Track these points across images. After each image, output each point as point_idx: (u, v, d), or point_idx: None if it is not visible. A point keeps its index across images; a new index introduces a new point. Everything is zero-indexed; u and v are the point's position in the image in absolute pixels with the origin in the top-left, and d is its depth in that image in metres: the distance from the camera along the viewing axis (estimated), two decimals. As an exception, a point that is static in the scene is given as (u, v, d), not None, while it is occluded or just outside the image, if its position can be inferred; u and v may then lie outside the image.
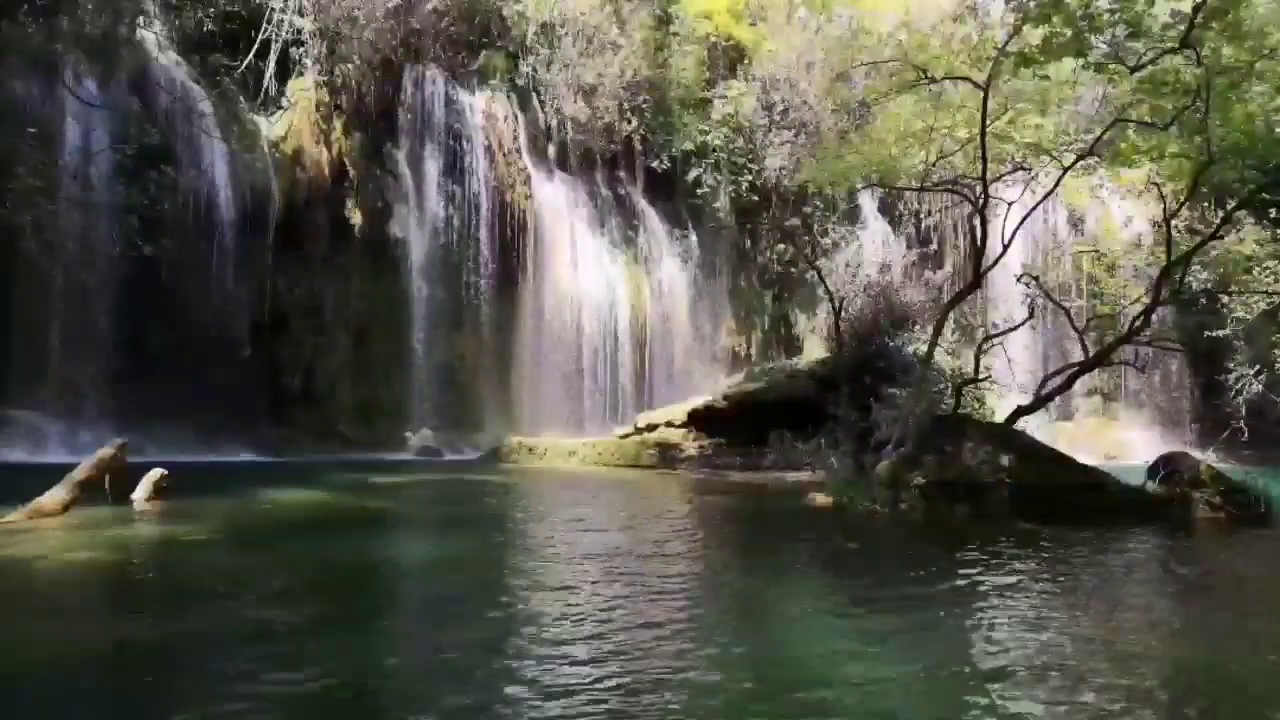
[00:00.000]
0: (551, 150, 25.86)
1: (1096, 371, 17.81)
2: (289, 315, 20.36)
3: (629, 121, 25.91)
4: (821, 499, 11.59)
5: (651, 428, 19.67)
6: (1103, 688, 4.21)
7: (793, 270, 26.61)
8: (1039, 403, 13.10)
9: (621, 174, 27.08)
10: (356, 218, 21.51)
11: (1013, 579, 6.95)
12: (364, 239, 21.55)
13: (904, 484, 10.99)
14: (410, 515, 11.15)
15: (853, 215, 27.71)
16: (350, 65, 21.76)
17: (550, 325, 24.10)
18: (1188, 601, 6.56)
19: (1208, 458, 15.23)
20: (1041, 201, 14.79)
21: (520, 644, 4.75)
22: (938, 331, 14.11)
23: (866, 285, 22.19)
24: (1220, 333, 22.02)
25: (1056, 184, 14.02)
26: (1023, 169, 14.37)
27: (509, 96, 24.95)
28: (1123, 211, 25.76)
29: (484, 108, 24.18)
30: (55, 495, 8.54)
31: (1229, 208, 13.00)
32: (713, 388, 22.72)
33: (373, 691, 4.00)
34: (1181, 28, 10.46)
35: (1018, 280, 16.53)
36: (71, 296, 17.21)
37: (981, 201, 13.30)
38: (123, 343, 17.13)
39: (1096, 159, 13.79)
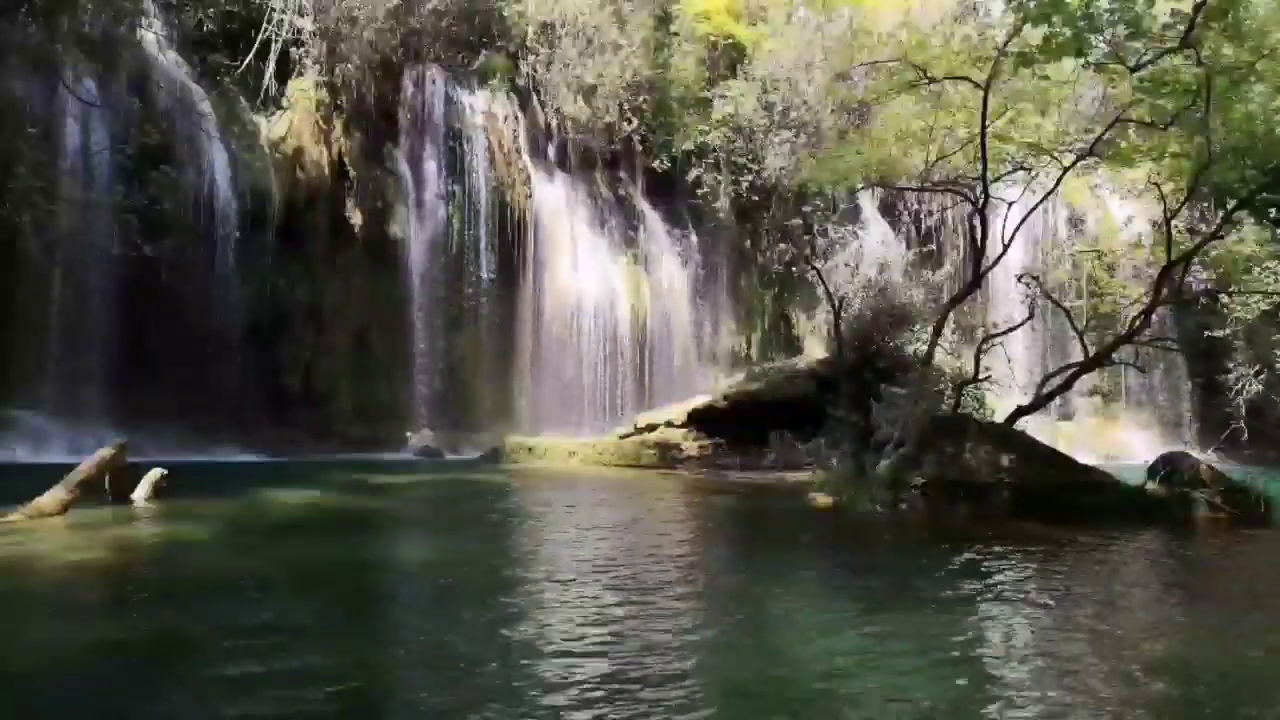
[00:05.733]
0: (551, 150, 25.85)
1: (1096, 371, 17.79)
2: (289, 315, 20.35)
3: (629, 121, 25.88)
4: (822, 499, 11.59)
5: (651, 428, 19.65)
6: (1103, 688, 4.21)
7: (793, 270, 26.55)
8: (1039, 403, 13.10)
9: (622, 174, 27.05)
10: (356, 218, 21.50)
11: (1013, 579, 6.95)
12: (364, 239, 21.54)
13: (904, 484, 10.99)
14: (410, 515, 11.14)
15: (853, 215, 27.66)
16: (350, 65, 21.75)
17: (550, 325, 24.07)
18: (1188, 601, 6.56)
19: (1208, 458, 15.25)
20: (1041, 201, 14.79)
21: (519, 643, 4.75)
22: (938, 331, 14.11)
23: (866, 285, 22.20)
24: (1220, 333, 22.01)
25: (1056, 184, 14.01)
26: (1023, 169, 14.36)
27: (509, 96, 24.92)
28: (1123, 211, 25.74)
29: (484, 108, 24.16)
30: (55, 495, 8.54)
31: (1229, 208, 12.98)
32: (713, 388, 22.70)
33: (372, 690, 4.00)
34: (1181, 28, 10.46)
35: (1018, 280, 16.54)
36: (71, 296, 17.20)
37: (981, 201, 13.30)
38: (123, 343, 17.10)
39: (1096, 159, 13.78)
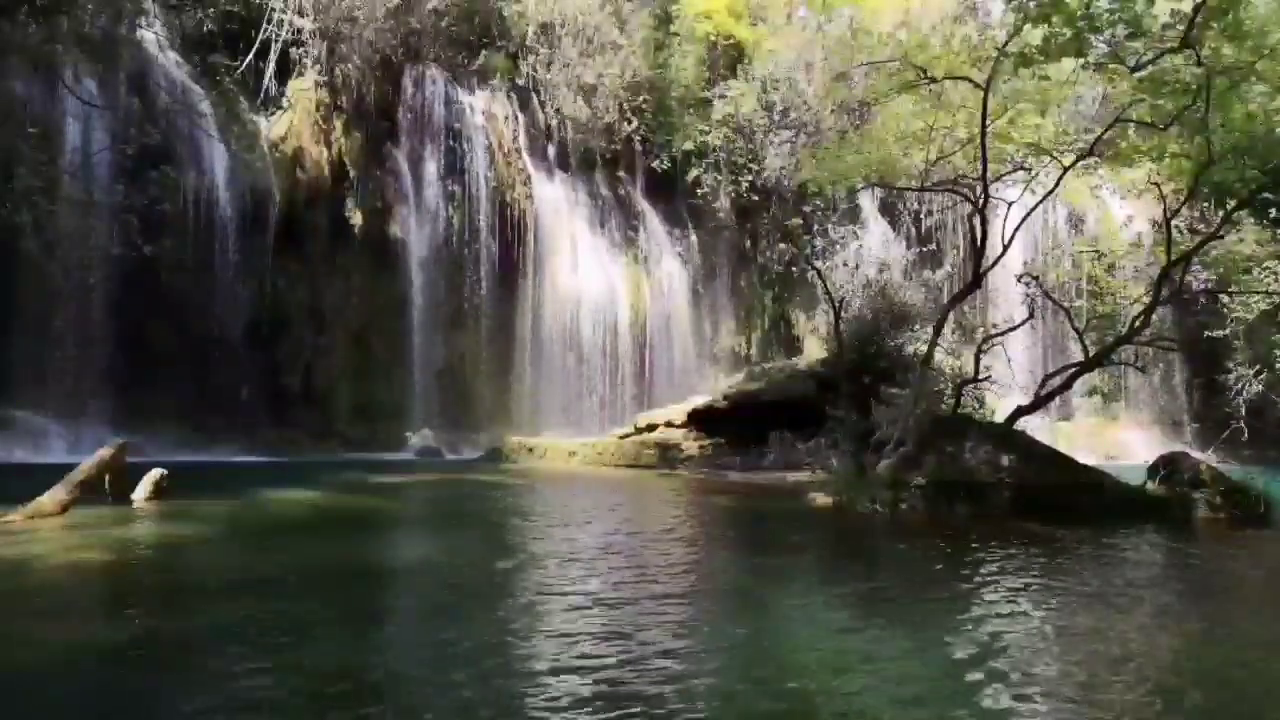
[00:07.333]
0: (551, 150, 25.86)
1: (1096, 371, 17.79)
2: (289, 315, 20.35)
3: (629, 121, 25.89)
4: (822, 499, 11.59)
5: (651, 428, 19.66)
6: (1102, 688, 4.21)
7: (793, 270, 26.56)
8: (1039, 403, 13.09)
9: (621, 174, 27.06)
10: (356, 218, 21.51)
11: (1013, 579, 6.95)
12: (364, 239, 21.55)
13: (904, 484, 10.99)
14: (410, 515, 11.14)
15: (853, 215, 27.66)
16: (350, 65, 21.76)
17: (550, 325, 24.09)
18: (1188, 602, 6.56)
19: (1208, 458, 15.23)
20: (1041, 201, 14.78)
21: (519, 642, 4.75)
22: (938, 331, 14.11)
23: (866, 285, 22.18)
24: (1220, 333, 21.99)
25: (1056, 184, 14.00)
26: (1023, 169, 14.36)
27: (509, 96, 24.95)
28: (1123, 211, 25.74)
29: (484, 108, 24.17)
30: (55, 495, 8.54)
31: (1229, 208, 12.97)
32: (713, 388, 22.70)
33: (372, 690, 4.00)
34: (1181, 28, 10.47)
35: (1018, 280, 16.53)
36: (71, 296, 17.21)
37: (981, 201, 13.30)
38: (123, 343, 17.12)
39: (1096, 159, 13.78)
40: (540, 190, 24.76)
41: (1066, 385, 14.33)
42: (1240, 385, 22.52)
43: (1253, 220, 17.75)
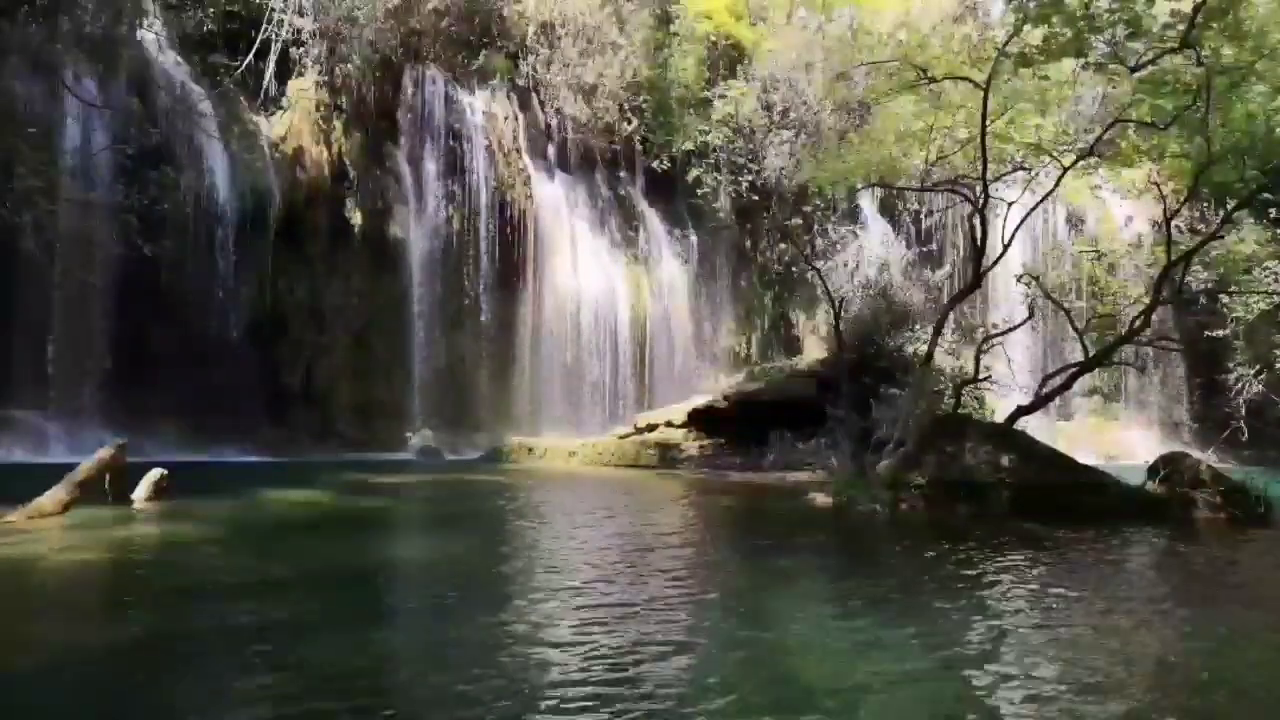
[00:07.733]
0: (551, 150, 25.84)
1: (1096, 371, 17.79)
2: (289, 315, 20.34)
3: (629, 121, 25.89)
4: (822, 499, 11.60)
5: (651, 428, 19.67)
6: (1102, 688, 4.21)
7: (793, 270, 26.54)
8: (1039, 403, 13.10)
9: (621, 174, 27.05)
10: (356, 218, 21.49)
11: (1013, 581, 6.95)
12: (364, 239, 21.53)
13: (904, 484, 11.00)
14: (410, 516, 11.15)
15: (853, 215, 27.64)
16: (350, 65, 21.74)
17: (550, 325, 24.07)
18: (1188, 602, 6.56)
19: (1208, 458, 15.23)
20: (1041, 201, 14.79)
21: (520, 643, 4.75)
22: (938, 331, 14.13)
23: (866, 285, 22.20)
24: (1220, 333, 22.00)
25: (1056, 184, 14.01)
26: (1023, 169, 14.36)
27: (509, 96, 24.93)
28: (1123, 211, 25.76)
29: (484, 108, 24.16)
30: (55, 495, 8.54)
31: (1229, 208, 12.98)
32: (713, 388, 22.70)
33: (374, 691, 4.00)
34: (1181, 28, 10.48)
35: (1018, 280, 16.53)
36: (71, 296, 17.19)
37: (981, 201, 13.31)
38: (123, 343, 17.10)
39: (1096, 159, 13.79)
40: (540, 190, 24.75)
41: (1066, 385, 14.34)
42: (1240, 385, 22.51)
43: (1253, 220, 17.78)
